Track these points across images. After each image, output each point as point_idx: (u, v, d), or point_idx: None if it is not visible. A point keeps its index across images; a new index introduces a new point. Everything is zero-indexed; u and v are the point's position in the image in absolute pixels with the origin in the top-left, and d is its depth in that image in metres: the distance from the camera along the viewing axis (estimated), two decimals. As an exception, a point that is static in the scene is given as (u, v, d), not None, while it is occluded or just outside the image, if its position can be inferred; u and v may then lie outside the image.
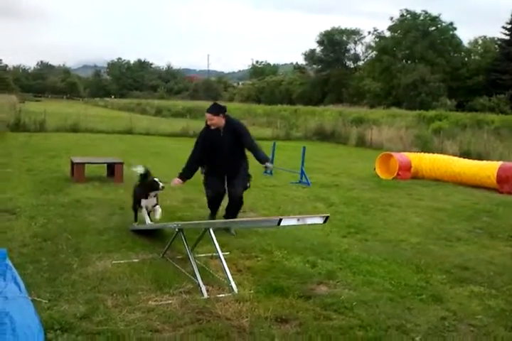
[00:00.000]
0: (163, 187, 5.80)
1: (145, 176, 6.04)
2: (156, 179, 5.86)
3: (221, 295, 3.99)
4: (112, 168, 9.54)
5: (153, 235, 5.70)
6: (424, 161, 11.73)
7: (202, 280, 4.12)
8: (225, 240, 5.31)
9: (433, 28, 54.43)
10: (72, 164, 9.27)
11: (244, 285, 4.22)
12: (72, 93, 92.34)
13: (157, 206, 5.91)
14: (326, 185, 10.09)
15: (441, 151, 15.31)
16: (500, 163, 10.66)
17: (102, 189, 8.46)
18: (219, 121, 5.88)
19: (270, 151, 11.67)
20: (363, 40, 65.34)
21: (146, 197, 5.81)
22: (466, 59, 54.54)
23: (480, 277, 4.71)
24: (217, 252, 4.35)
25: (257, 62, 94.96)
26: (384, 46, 56.78)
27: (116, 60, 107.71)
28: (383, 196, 9.05)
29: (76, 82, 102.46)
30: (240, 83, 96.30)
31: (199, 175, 6.29)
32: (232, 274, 4.24)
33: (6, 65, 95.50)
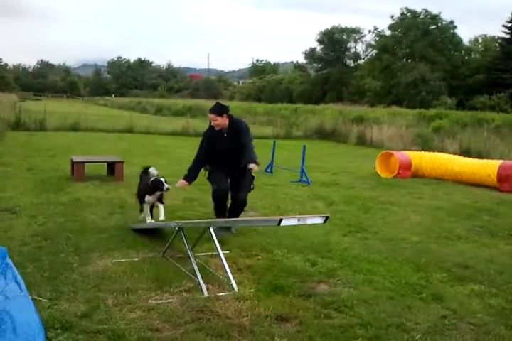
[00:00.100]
0: (167, 189, 5.79)
1: (145, 171, 6.19)
2: (162, 179, 5.85)
3: (221, 294, 3.99)
4: (112, 166, 9.54)
5: (153, 234, 5.70)
6: (425, 160, 11.73)
7: (202, 278, 4.12)
8: (225, 239, 5.31)
9: (433, 27, 54.41)
10: (72, 163, 9.27)
11: (245, 284, 4.22)
12: (72, 92, 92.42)
13: (161, 205, 5.93)
14: (326, 184, 10.09)
15: (442, 150, 15.29)
16: (500, 161, 10.65)
17: (102, 188, 8.46)
18: (223, 121, 5.78)
19: (270, 150, 11.67)
20: (364, 39, 65.39)
21: (151, 195, 5.87)
22: (466, 57, 54.53)
23: (480, 275, 4.71)
24: (218, 251, 4.36)
25: (257, 60, 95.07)
26: (384, 45, 56.76)
27: (116, 59, 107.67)
28: (383, 195, 9.05)
29: (76, 80, 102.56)
30: (240, 82, 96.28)
31: (200, 175, 6.27)
32: (232, 273, 4.25)
33: (6, 64, 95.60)
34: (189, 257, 4.37)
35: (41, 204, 6.95)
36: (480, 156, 13.73)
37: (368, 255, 5.21)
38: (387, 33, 58.16)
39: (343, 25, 65.80)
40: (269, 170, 11.41)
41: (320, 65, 66.52)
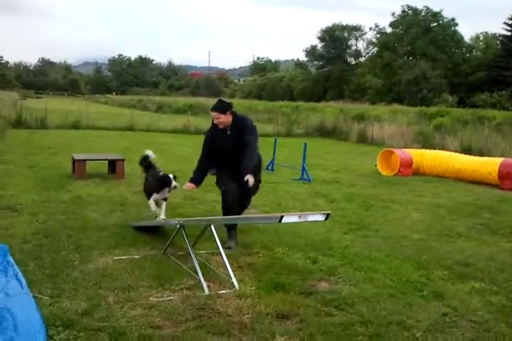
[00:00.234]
0: (175, 187, 5.68)
1: (145, 159, 6.25)
2: (170, 175, 5.72)
3: (222, 292, 4.00)
4: (113, 164, 9.54)
5: (154, 231, 5.71)
6: (426, 157, 11.71)
7: (203, 276, 4.13)
8: (225, 236, 5.31)
9: (434, 24, 54.29)
10: (73, 161, 9.27)
11: (246, 282, 4.23)
12: (73, 90, 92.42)
13: (164, 203, 5.88)
14: (327, 182, 10.09)
15: (443, 147, 15.27)
16: (501, 159, 10.64)
17: (103, 185, 8.47)
18: (226, 119, 5.41)
19: (271, 148, 11.67)
20: (365, 36, 65.24)
21: (158, 192, 5.78)
22: (467, 55, 54.39)
23: (481, 273, 4.71)
24: (219, 248, 4.36)
25: (258, 58, 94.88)
26: (385, 42, 56.66)
27: (117, 57, 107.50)
28: (384, 192, 9.05)
29: (77, 78, 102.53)
30: (241, 80, 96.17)
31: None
32: (233, 270, 4.25)
33: (8, 62, 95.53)
34: (190, 255, 4.38)
35: (42, 202, 6.96)
36: (481, 154, 13.71)
37: (368, 253, 5.21)
38: (388, 30, 58.07)
39: (344, 23, 65.78)
40: (270, 167, 11.41)
41: (321, 63, 66.44)
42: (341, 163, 13.37)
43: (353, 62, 66.21)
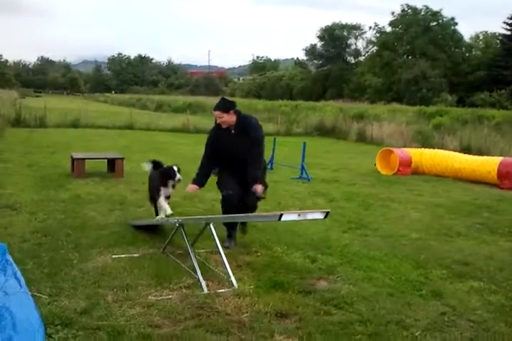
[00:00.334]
0: (179, 180, 5.44)
1: (157, 164, 5.88)
2: (174, 167, 5.47)
3: (221, 291, 4.00)
4: (112, 163, 9.54)
5: (153, 230, 5.71)
6: (425, 157, 11.72)
7: (202, 275, 4.13)
8: (225, 235, 5.31)
9: (434, 23, 54.33)
10: (73, 159, 9.27)
11: (244, 281, 4.23)
12: (72, 88, 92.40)
13: (167, 201, 5.66)
14: (326, 181, 10.09)
15: (442, 147, 15.26)
16: (500, 158, 10.65)
17: (103, 184, 8.46)
18: (230, 118, 5.19)
19: (271, 147, 11.67)
20: (364, 36, 65.34)
21: (166, 186, 5.51)
22: (467, 54, 54.45)
23: (480, 272, 4.72)
24: (218, 247, 4.36)
25: (257, 57, 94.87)
26: (385, 41, 56.69)
27: (116, 55, 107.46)
28: (383, 191, 9.05)
29: (76, 77, 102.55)
30: (241, 78, 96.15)
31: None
32: (232, 269, 4.25)
33: (7, 60, 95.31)
34: (189, 253, 4.38)
35: (41, 200, 6.96)
36: (480, 153, 13.71)
37: (367, 252, 5.22)
38: (388, 29, 58.13)
39: (344, 22, 65.85)
40: (269, 166, 11.40)
41: (320, 62, 66.48)
42: (340, 162, 13.38)
43: (353, 61, 66.27)
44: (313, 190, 8.94)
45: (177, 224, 4.62)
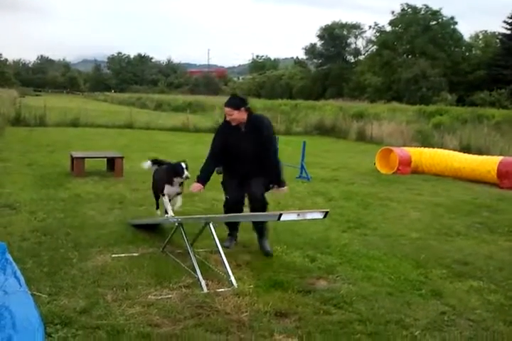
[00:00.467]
0: (187, 177, 5.29)
1: (160, 162, 5.87)
2: (183, 164, 5.32)
3: (221, 290, 4.00)
4: (111, 162, 9.53)
5: (153, 229, 5.70)
6: (424, 156, 11.71)
7: (201, 274, 4.13)
8: (224, 235, 5.31)
9: (434, 23, 54.36)
10: (72, 158, 9.27)
11: (244, 280, 4.23)
12: (72, 87, 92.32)
13: (179, 196, 5.56)
14: (325, 180, 10.09)
15: (442, 146, 15.26)
16: (500, 157, 10.64)
17: (102, 183, 8.46)
18: (240, 116, 4.99)
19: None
20: (364, 35, 65.41)
21: (171, 184, 5.37)
22: (467, 53, 54.49)
23: (479, 272, 4.72)
24: (217, 247, 4.36)
25: (257, 56, 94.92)
26: (385, 40, 56.71)
27: (116, 55, 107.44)
28: (383, 191, 9.05)
29: (76, 76, 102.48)
30: (240, 78, 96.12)
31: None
32: (231, 269, 4.25)
33: (6, 59, 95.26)
34: (189, 253, 4.38)
35: (41, 199, 6.95)
36: (480, 152, 13.70)
37: (367, 251, 5.22)
38: (388, 28, 58.17)
39: (344, 21, 65.85)
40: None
41: (320, 61, 66.48)
42: (340, 162, 13.37)
43: (353, 61, 66.30)
44: (313, 189, 8.93)
45: (177, 224, 4.62)
